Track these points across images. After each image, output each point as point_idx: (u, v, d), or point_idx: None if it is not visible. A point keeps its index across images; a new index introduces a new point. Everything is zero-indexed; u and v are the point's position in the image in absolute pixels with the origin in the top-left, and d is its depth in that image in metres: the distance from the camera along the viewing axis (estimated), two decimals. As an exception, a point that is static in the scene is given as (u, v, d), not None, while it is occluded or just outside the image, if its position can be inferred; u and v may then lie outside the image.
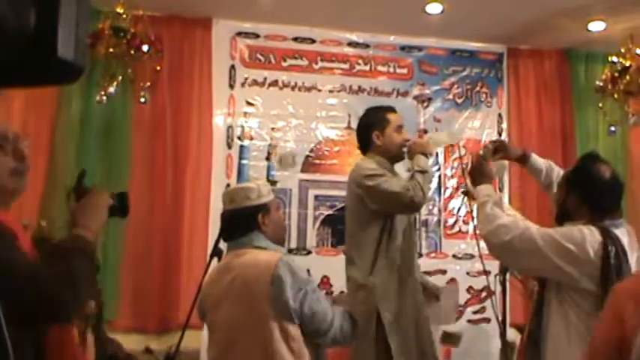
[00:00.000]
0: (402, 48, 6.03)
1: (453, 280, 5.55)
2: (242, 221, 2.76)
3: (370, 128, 3.61)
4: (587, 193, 2.67)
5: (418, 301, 3.54)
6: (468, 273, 5.66)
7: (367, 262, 3.42)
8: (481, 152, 3.23)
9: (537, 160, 3.33)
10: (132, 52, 4.93)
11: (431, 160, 5.62)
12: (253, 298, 2.60)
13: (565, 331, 2.57)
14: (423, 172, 3.40)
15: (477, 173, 3.02)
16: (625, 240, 2.60)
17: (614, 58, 5.58)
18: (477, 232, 3.17)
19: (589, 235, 2.54)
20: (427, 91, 6.01)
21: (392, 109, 3.71)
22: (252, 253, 2.70)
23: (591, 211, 2.65)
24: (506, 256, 2.83)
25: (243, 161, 5.62)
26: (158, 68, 5.22)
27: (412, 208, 3.46)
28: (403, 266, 3.48)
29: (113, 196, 1.99)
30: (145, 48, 4.97)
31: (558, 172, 3.24)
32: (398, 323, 3.38)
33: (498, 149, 3.28)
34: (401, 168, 3.83)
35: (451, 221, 5.91)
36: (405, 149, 3.63)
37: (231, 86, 5.67)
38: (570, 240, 2.54)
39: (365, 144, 3.65)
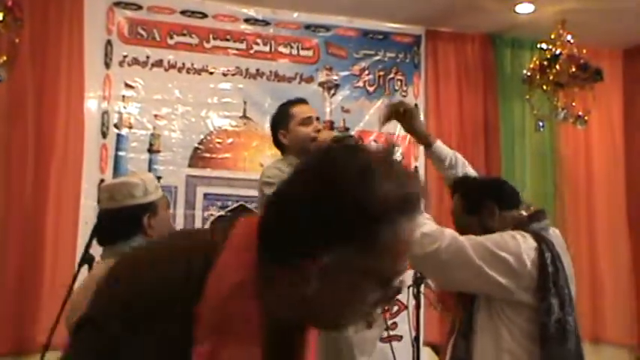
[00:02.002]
0: (307, 27, 5.78)
1: None
2: (123, 224, 2.56)
3: (276, 128, 3.52)
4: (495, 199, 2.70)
5: None
6: (377, 284, 5.24)
7: None
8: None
9: (443, 147, 3.21)
10: (-19, 19, 4.53)
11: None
12: None
13: (494, 351, 2.52)
14: None
15: None
16: (555, 242, 2.59)
17: (543, 45, 5.48)
18: None
19: (523, 242, 2.50)
20: (334, 77, 5.77)
21: (298, 101, 3.57)
22: None
23: (505, 209, 2.68)
24: (431, 268, 2.69)
25: (121, 153, 5.23)
26: (17, 41, 4.70)
27: None
28: None
29: None
30: (-1, 16, 4.72)
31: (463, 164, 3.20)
32: None
33: (406, 115, 3.14)
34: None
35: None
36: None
37: (107, 65, 5.27)
38: (504, 248, 2.48)
39: (278, 146, 3.56)
